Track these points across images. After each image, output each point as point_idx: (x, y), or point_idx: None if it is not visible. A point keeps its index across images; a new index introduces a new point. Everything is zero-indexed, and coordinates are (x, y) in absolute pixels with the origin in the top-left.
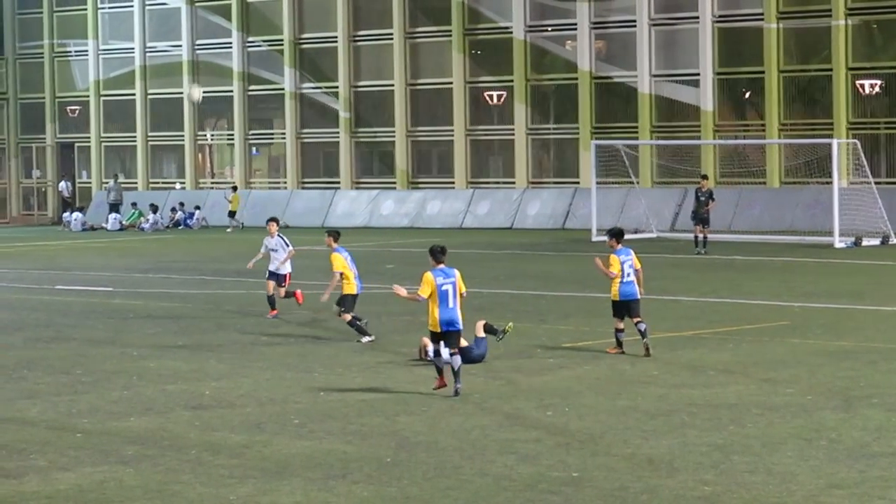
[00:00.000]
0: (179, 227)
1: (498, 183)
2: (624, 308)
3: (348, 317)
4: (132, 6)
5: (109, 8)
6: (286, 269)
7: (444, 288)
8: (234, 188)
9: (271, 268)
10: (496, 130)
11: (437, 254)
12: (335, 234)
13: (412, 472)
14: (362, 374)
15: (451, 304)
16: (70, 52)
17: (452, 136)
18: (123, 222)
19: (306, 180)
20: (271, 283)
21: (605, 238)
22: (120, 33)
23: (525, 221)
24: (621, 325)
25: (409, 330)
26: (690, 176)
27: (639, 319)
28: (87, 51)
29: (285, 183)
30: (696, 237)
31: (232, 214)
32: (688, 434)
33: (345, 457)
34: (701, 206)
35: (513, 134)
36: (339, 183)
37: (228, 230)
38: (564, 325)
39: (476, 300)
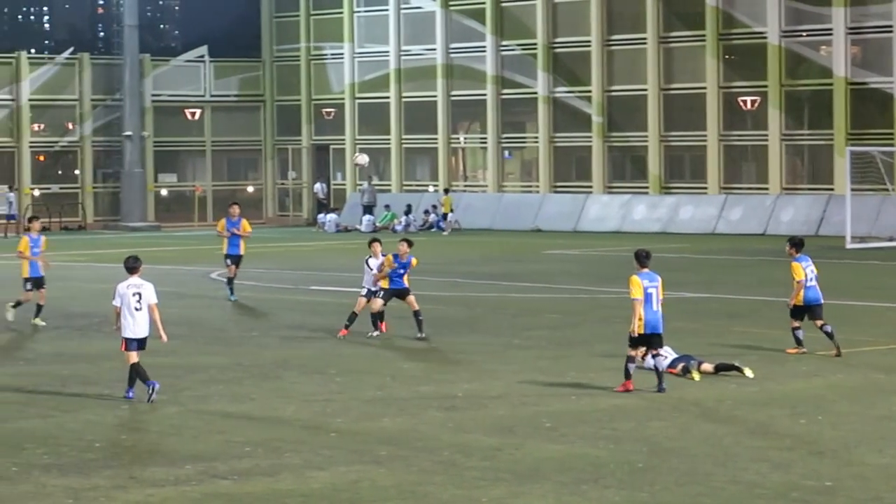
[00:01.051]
0: (432, 230)
1: (751, 188)
2: (806, 311)
3: (379, 303)
4: (387, 10)
5: (365, 12)
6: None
7: (649, 291)
8: (446, 190)
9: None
10: (749, 136)
11: (643, 258)
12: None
13: (664, 477)
14: (614, 379)
15: (654, 307)
16: (326, 55)
17: (705, 140)
18: (377, 224)
19: (558, 184)
20: (378, 301)
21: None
22: (375, 37)
23: (778, 227)
24: (797, 324)
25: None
26: None
27: (823, 322)
28: (342, 54)
29: (537, 187)
30: None
31: (445, 217)
32: None
33: (596, 461)
34: None
35: (766, 139)
36: (591, 187)
37: (445, 233)
38: (818, 332)
39: (729, 307)
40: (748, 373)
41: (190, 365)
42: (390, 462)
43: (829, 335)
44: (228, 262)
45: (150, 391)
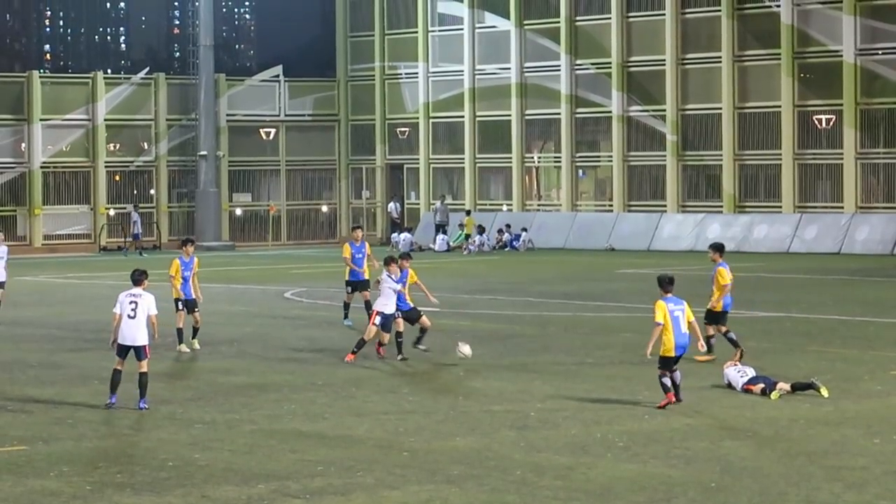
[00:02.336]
0: (506, 249)
1: (826, 207)
2: (722, 316)
3: (401, 323)
4: (462, 29)
5: (440, 31)
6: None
7: (675, 314)
8: (468, 212)
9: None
10: (824, 154)
11: (666, 284)
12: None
13: (737, 497)
14: (687, 398)
15: (683, 329)
16: (400, 74)
17: (780, 159)
18: (450, 243)
19: (632, 203)
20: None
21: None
22: (449, 56)
23: (853, 246)
24: (713, 332)
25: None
26: None
27: (727, 329)
28: (417, 73)
29: (611, 205)
30: None
31: (466, 238)
32: None
33: (669, 480)
34: None
35: (841, 158)
36: (665, 206)
37: (465, 253)
38: (893, 351)
39: (803, 326)
40: (824, 392)
41: (263, 383)
42: (463, 481)
43: (734, 342)
44: (350, 289)
45: (108, 404)
